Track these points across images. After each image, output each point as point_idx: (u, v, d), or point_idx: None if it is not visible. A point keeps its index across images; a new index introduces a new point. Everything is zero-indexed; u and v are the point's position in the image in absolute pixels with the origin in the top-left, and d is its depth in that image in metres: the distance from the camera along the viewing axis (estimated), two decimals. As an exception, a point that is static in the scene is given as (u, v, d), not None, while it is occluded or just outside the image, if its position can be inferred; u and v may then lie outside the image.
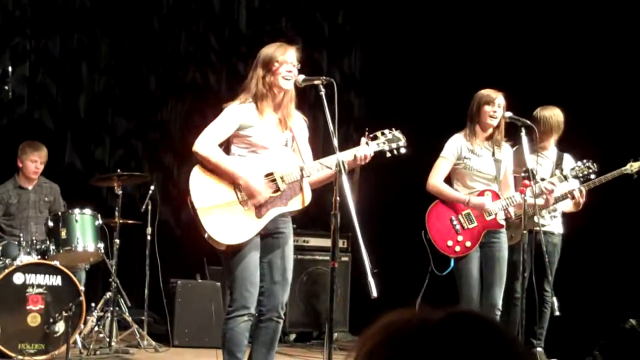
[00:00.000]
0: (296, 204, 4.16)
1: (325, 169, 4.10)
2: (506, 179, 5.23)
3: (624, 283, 6.37)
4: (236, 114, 4.13)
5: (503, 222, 5.14)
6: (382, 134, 4.24)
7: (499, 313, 5.08)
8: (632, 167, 5.44)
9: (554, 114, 5.73)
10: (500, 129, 5.13)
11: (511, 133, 5.21)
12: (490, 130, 5.13)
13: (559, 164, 5.73)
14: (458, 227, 5.07)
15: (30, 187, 6.53)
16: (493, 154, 5.14)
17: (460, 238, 5.06)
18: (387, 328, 1.07)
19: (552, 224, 5.78)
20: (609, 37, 6.81)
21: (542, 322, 5.66)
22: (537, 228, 5.12)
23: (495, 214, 5.08)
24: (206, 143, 4.08)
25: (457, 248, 5.06)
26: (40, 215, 6.47)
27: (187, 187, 4.08)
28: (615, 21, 6.82)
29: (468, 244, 5.06)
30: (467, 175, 5.12)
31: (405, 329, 1.05)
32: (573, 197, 5.45)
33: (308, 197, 4.17)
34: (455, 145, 5.13)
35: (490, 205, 5.07)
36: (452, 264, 5.10)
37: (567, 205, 5.67)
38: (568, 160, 5.78)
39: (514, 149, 5.33)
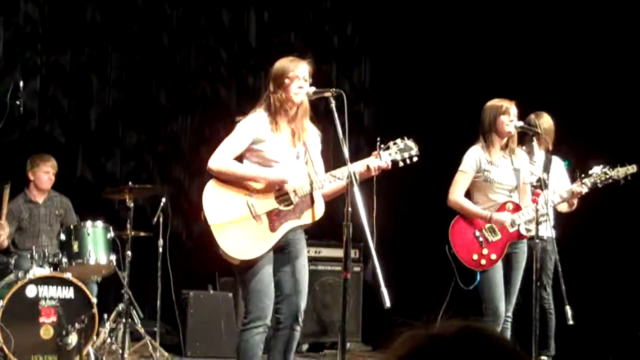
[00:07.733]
0: (309, 217, 4.17)
1: (338, 181, 4.11)
2: (524, 186, 5.21)
3: (638, 291, 6.34)
4: (249, 128, 4.15)
5: (526, 233, 5.12)
6: (394, 143, 4.23)
7: (510, 320, 5.08)
8: (619, 172, 5.29)
9: (545, 121, 5.85)
10: (514, 138, 5.13)
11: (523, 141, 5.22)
12: (505, 139, 5.12)
13: (547, 168, 5.70)
14: (482, 240, 5.05)
15: (40, 201, 6.55)
16: (512, 163, 5.12)
17: (485, 251, 5.04)
18: (408, 343, 1.15)
19: (541, 229, 5.65)
20: (605, 44, 6.83)
21: (547, 330, 5.66)
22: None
23: (518, 225, 5.07)
24: (220, 159, 4.09)
25: (483, 261, 5.03)
26: (51, 229, 6.49)
27: (201, 202, 4.09)
28: (610, 28, 6.83)
29: (493, 256, 5.04)
30: (488, 188, 5.09)
31: (422, 345, 1.14)
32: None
33: (321, 209, 4.17)
34: (474, 157, 5.08)
35: (512, 217, 5.05)
36: (478, 277, 5.07)
37: (562, 207, 5.62)
38: (557, 162, 5.81)
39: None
